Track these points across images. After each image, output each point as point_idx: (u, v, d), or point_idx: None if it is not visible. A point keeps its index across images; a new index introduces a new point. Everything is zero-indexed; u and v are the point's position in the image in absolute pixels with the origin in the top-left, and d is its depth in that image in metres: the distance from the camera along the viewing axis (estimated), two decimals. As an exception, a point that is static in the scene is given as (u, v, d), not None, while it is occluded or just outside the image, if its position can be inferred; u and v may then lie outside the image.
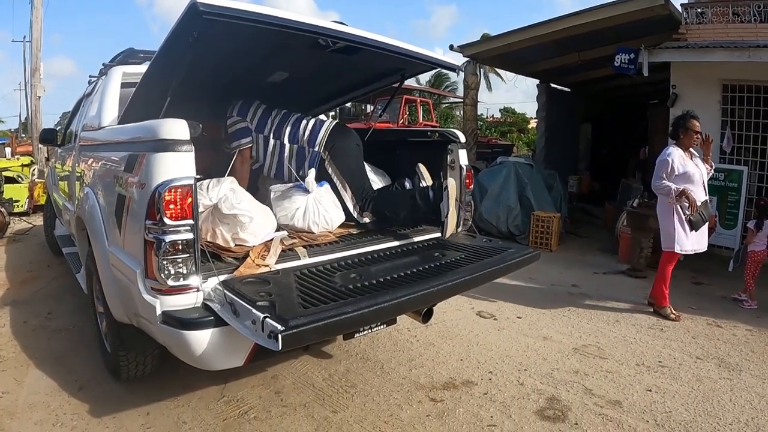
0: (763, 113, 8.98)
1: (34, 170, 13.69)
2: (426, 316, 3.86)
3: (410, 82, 23.98)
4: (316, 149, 4.33)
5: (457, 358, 4.76)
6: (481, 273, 3.51)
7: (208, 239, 3.39)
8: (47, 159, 13.97)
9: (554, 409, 3.95)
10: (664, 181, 5.79)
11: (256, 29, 3.03)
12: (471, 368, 4.56)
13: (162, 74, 3.45)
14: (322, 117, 4.74)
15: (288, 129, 4.45)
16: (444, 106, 36.54)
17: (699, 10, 9.58)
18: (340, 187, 4.30)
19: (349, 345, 4.87)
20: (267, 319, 2.42)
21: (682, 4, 9.63)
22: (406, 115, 17.33)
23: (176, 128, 2.83)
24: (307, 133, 4.39)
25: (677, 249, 5.86)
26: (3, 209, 9.92)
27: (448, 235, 4.16)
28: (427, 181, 4.39)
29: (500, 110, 48.71)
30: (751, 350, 5.23)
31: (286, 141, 4.43)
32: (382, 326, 3.54)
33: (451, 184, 4.02)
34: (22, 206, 11.90)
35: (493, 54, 11.85)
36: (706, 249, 6.10)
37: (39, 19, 16.94)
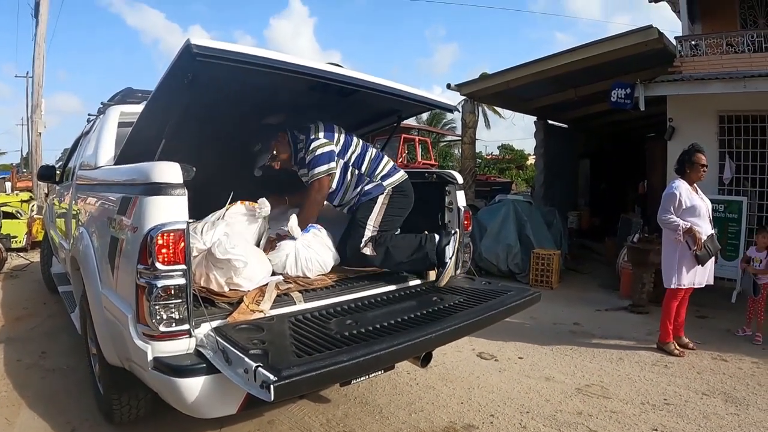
0: (759, 143, 9.03)
1: (33, 206, 13.77)
2: (425, 361, 3.81)
3: (409, 121, 24.22)
4: (385, 186, 4.28)
5: (458, 401, 4.66)
6: (480, 318, 3.46)
7: (202, 284, 3.33)
8: (46, 195, 14.03)
9: (558, 452, 3.87)
10: (671, 216, 5.77)
11: (251, 71, 3.02)
12: (472, 411, 4.47)
13: (157, 115, 3.45)
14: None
15: (367, 160, 4.35)
16: (443, 144, 36.78)
17: (693, 42, 9.70)
18: (370, 226, 4.21)
19: (347, 389, 4.77)
20: (259, 369, 2.36)
21: (676, 37, 9.75)
22: (404, 154, 17.43)
23: (169, 171, 2.81)
24: (384, 171, 4.34)
25: (678, 284, 5.85)
26: (1, 245, 9.91)
27: (445, 280, 4.13)
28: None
29: (498, 147, 49.14)
30: (758, 383, 5.17)
31: (363, 170, 4.33)
32: (379, 372, 3.47)
33: (458, 232, 4.03)
34: (20, 242, 11.95)
35: (490, 92, 11.91)
36: (711, 282, 6.07)
37: (41, 55, 17.11)
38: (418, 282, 4.21)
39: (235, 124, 4.31)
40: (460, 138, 15.47)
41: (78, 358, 5.15)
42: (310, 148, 4.15)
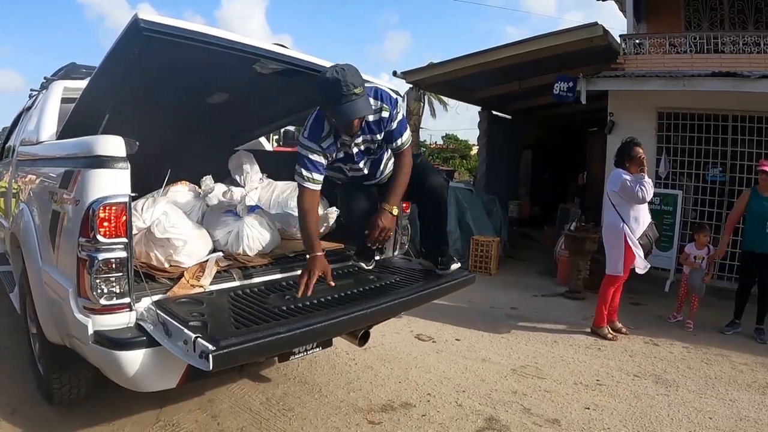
0: (696, 139, 9.38)
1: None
2: (363, 339, 3.87)
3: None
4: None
5: (396, 380, 4.78)
6: (415, 296, 3.55)
7: (142, 260, 3.34)
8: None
9: (493, 429, 4.00)
10: (628, 181, 5.98)
11: (197, 48, 3.02)
12: (409, 390, 4.58)
13: (102, 90, 3.41)
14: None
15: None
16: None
17: (637, 41, 9.99)
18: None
19: (286, 368, 4.85)
20: (198, 339, 2.40)
21: (620, 35, 10.05)
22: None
23: (113, 145, 2.79)
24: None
25: (617, 271, 6.10)
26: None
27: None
28: None
29: (443, 137, 49.22)
30: (688, 366, 5.42)
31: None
32: (317, 348, 3.53)
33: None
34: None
35: (436, 81, 12.00)
36: (646, 269, 6.31)
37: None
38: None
39: (181, 102, 4.29)
40: (405, 126, 15.49)
41: (17, 339, 5.08)
42: (395, 112, 3.60)
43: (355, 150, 3.65)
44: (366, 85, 3.35)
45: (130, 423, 3.83)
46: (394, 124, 3.58)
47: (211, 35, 3.05)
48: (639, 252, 6.02)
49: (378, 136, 3.64)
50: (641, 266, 6.15)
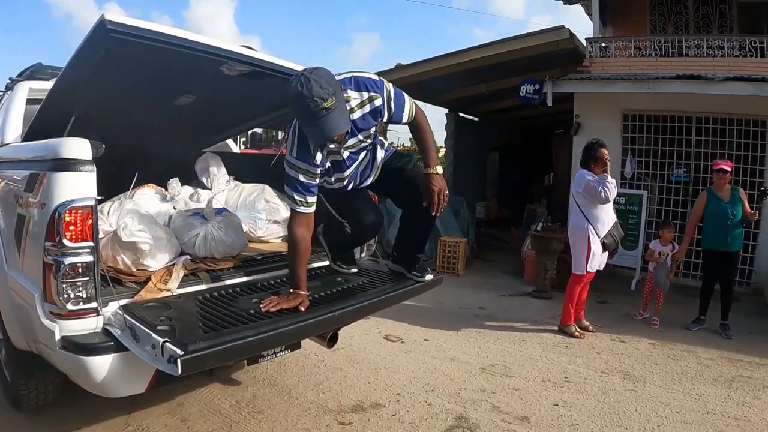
0: (661, 140, 9.57)
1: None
2: (331, 341, 3.86)
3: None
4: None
5: (365, 381, 4.80)
6: (383, 297, 3.56)
7: (109, 264, 3.31)
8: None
9: (462, 427, 4.04)
10: (591, 182, 6.06)
11: (164, 50, 3.00)
12: (379, 391, 4.60)
13: (68, 92, 3.37)
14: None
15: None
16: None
17: (603, 44, 10.14)
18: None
19: (255, 371, 4.84)
20: (166, 344, 2.39)
21: (586, 39, 10.20)
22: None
23: (78, 147, 2.77)
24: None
25: (582, 270, 6.17)
26: None
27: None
28: None
29: (410, 139, 49.24)
30: (654, 362, 5.53)
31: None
32: (286, 351, 3.51)
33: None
34: None
35: (404, 83, 11.72)
36: (602, 267, 6.44)
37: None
38: (323, 264, 4.25)
39: (148, 104, 4.25)
40: (373, 128, 15.53)
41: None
42: (387, 91, 3.26)
43: (345, 154, 3.33)
44: (340, 77, 3.08)
45: (99, 428, 3.79)
46: (393, 105, 3.25)
47: (179, 37, 3.02)
48: (598, 251, 6.14)
49: (372, 129, 3.35)
50: (602, 264, 6.30)
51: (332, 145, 3.20)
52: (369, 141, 3.43)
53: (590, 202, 6.08)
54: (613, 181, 6.10)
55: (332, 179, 3.49)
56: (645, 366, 5.44)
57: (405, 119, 3.35)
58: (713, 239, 6.65)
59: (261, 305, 2.99)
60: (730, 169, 6.63)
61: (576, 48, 9.65)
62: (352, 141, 3.28)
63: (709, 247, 6.76)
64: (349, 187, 3.62)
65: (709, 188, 6.87)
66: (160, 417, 4.01)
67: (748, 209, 6.63)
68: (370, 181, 3.69)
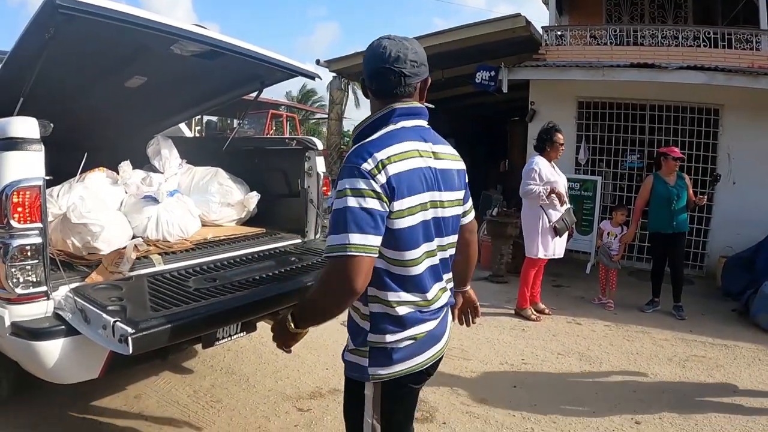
0: (615, 127, 9.69)
1: None
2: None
3: (278, 97, 23.78)
4: None
5: (323, 367, 4.78)
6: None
7: (59, 248, 3.23)
8: None
9: (422, 410, 4.02)
10: (532, 185, 6.09)
11: (114, 28, 2.94)
12: (337, 377, 4.55)
13: (16, 72, 3.28)
14: None
15: None
16: (312, 122, 36.60)
17: (559, 32, 10.29)
18: None
19: (213, 360, 4.80)
20: (117, 323, 2.37)
21: (542, 27, 10.29)
22: (272, 130, 17.31)
23: (25, 126, 2.70)
24: None
25: (541, 254, 6.19)
26: None
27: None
28: None
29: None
30: (610, 344, 5.63)
31: None
32: (242, 333, 3.45)
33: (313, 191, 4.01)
34: None
35: (359, 69, 11.77)
36: (562, 255, 6.51)
37: None
38: (278, 245, 4.24)
39: (98, 85, 4.15)
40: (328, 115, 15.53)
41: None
42: None
43: None
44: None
45: (55, 424, 3.69)
46: None
47: (129, 14, 2.97)
48: (549, 236, 6.21)
49: None
50: (555, 252, 6.34)
51: None
52: None
53: (543, 185, 6.11)
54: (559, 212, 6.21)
55: None
56: (601, 347, 5.52)
57: None
58: (659, 221, 6.79)
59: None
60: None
61: (532, 36, 9.74)
62: None
63: (655, 229, 6.89)
64: None
65: (655, 173, 6.98)
66: (118, 410, 3.93)
67: (692, 194, 6.81)
68: None
